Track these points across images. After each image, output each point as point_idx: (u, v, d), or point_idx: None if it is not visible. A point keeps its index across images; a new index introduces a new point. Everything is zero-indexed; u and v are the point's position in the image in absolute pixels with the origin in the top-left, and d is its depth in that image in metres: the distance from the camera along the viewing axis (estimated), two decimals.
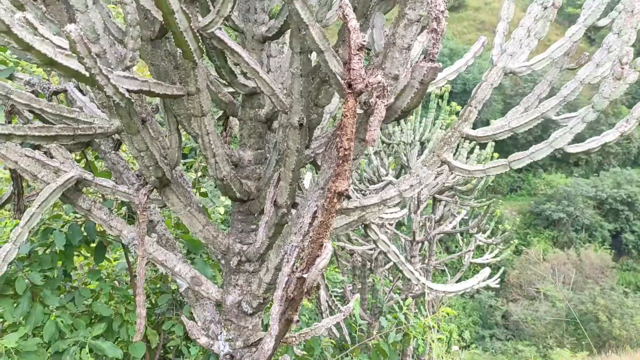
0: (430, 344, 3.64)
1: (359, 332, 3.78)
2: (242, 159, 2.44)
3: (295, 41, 1.77)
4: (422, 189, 8.08)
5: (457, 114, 8.15)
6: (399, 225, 9.15)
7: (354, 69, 1.52)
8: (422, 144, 7.92)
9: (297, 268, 2.00)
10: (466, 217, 9.00)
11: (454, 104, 8.63)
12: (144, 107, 2.22)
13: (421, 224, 8.09)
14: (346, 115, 1.68)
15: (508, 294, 34.19)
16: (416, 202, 7.79)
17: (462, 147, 7.88)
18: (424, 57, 1.55)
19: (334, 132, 2.04)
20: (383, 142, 7.97)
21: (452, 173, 8.34)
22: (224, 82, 2.26)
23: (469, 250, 8.98)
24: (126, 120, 1.83)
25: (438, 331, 3.88)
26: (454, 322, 33.23)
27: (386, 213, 3.23)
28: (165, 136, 2.32)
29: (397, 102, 1.73)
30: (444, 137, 2.39)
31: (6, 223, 3.12)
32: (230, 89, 2.46)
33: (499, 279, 10.21)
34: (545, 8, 2.35)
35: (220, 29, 1.74)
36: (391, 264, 8.88)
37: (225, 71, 2.12)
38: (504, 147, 38.67)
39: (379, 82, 1.55)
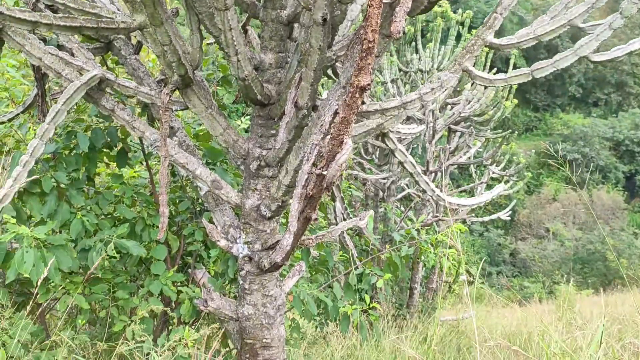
0: (441, 260, 3.74)
1: (372, 246, 3.88)
2: (263, 62, 2.44)
3: None
4: (437, 119, 8.01)
5: None
6: (414, 156, 9.14)
7: None
8: (440, 72, 7.81)
9: (316, 166, 2.04)
10: (480, 149, 8.96)
11: (474, 31, 8.40)
12: (164, 8, 2.21)
13: (435, 154, 8.09)
14: (372, 4, 1.67)
15: (517, 233, 34.51)
16: (431, 132, 7.76)
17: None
18: None
19: (357, 29, 2.03)
20: (400, 69, 7.85)
21: (469, 103, 8.17)
22: None
23: (482, 182, 9.00)
24: (150, 10, 1.83)
25: (450, 248, 3.99)
26: (463, 255, 33.79)
27: (403, 128, 3.24)
28: (186, 39, 2.32)
29: None
30: (467, 45, 2.36)
31: (30, 129, 3.17)
32: None
33: (510, 214, 10.30)
34: None
35: None
36: (404, 193, 8.95)
37: None
38: (523, 86, 37.77)
39: None
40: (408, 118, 7.74)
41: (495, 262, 32.51)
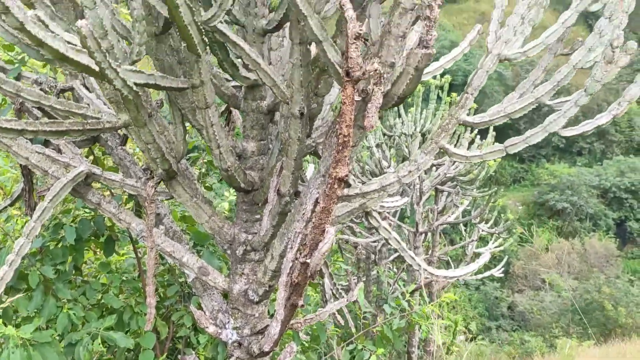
0: (431, 331, 3.69)
1: (364, 320, 3.86)
2: (246, 150, 2.51)
3: (295, 32, 1.84)
4: (423, 181, 8.13)
5: None
6: (403, 218, 9.21)
7: (351, 58, 1.58)
8: (423, 135, 7.98)
9: (300, 254, 2.07)
10: (469, 208, 9.05)
11: (454, 94, 8.68)
12: (149, 101, 2.29)
13: (424, 215, 8.15)
14: (345, 102, 1.75)
15: (514, 285, 34.24)
16: (418, 194, 7.86)
17: (463, 137, 7.94)
18: (419, 44, 1.61)
19: (334, 120, 2.11)
20: (385, 134, 8.04)
21: (453, 164, 8.36)
22: (227, 75, 2.32)
23: (472, 240, 9.04)
24: (134, 113, 1.90)
25: (442, 318, 3.96)
26: (460, 313, 33.35)
27: (386, 202, 3.29)
28: (170, 131, 2.39)
29: (394, 88, 1.80)
30: (441, 124, 2.44)
31: (17, 220, 3.19)
32: (233, 82, 2.52)
33: (504, 269, 10.23)
34: None
35: (222, 22, 1.81)
36: (395, 255, 8.94)
37: (227, 64, 2.19)
38: (507, 139, 38.69)
39: (376, 70, 1.61)
40: None
41: (494, 316, 32.07)
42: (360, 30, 1.50)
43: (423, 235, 8.21)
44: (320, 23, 1.65)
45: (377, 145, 7.83)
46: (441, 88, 7.86)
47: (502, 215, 8.84)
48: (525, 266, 34.86)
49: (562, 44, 2.53)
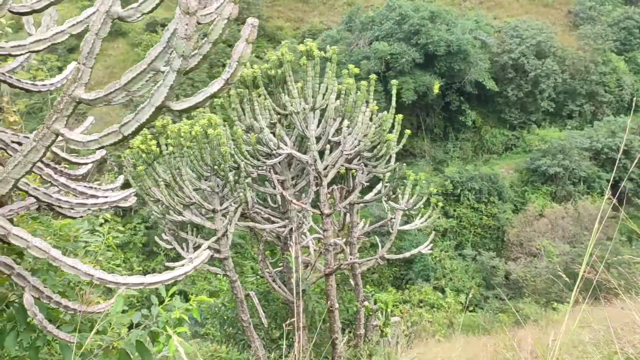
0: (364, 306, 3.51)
1: None
2: None
3: None
4: (315, 161, 7.99)
5: (356, 77, 8.05)
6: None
7: None
8: (314, 110, 7.84)
9: None
10: (387, 184, 8.97)
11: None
12: None
13: (329, 196, 8.10)
14: None
15: (509, 253, 34.12)
16: (315, 175, 7.80)
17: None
18: None
19: None
20: (278, 113, 7.94)
21: (356, 142, 8.14)
22: None
23: (392, 219, 8.97)
24: None
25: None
26: (458, 284, 33.37)
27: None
28: None
29: None
30: (55, 104, 2.29)
31: None
32: None
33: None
34: None
35: None
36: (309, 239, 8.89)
37: None
38: (497, 106, 38.09)
39: None
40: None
41: (491, 285, 32.01)
42: None
43: (330, 217, 8.14)
44: None
45: (271, 125, 7.74)
46: (329, 60, 7.68)
47: (415, 188, 8.71)
48: (520, 233, 34.76)
49: None
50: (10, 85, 3.32)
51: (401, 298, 31.28)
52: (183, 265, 3.00)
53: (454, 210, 35.58)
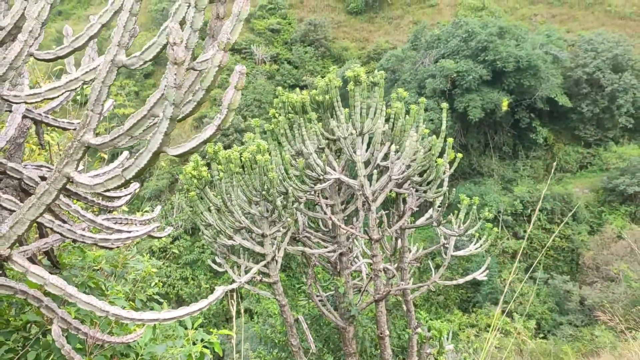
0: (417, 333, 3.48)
1: None
2: None
3: None
4: (362, 186, 7.92)
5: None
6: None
7: None
8: (362, 135, 7.81)
9: None
10: (438, 208, 8.76)
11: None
12: None
13: (378, 221, 8.01)
14: None
15: (585, 277, 32.44)
16: (363, 200, 7.73)
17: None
18: None
19: None
20: (327, 138, 7.96)
21: (405, 166, 8.05)
22: None
23: (444, 244, 8.74)
24: None
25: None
26: (529, 309, 31.87)
27: None
28: None
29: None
30: (65, 149, 2.39)
31: None
32: None
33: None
34: None
35: None
36: (358, 264, 8.84)
37: None
38: (570, 123, 36.36)
39: None
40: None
41: (565, 310, 30.50)
42: None
43: (378, 243, 8.03)
44: None
45: (319, 151, 7.77)
46: (376, 84, 7.65)
47: (468, 214, 8.45)
48: (596, 256, 32.98)
49: None
50: (47, 125, 3.53)
51: (467, 322, 30.34)
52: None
53: (524, 232, 34.32)
